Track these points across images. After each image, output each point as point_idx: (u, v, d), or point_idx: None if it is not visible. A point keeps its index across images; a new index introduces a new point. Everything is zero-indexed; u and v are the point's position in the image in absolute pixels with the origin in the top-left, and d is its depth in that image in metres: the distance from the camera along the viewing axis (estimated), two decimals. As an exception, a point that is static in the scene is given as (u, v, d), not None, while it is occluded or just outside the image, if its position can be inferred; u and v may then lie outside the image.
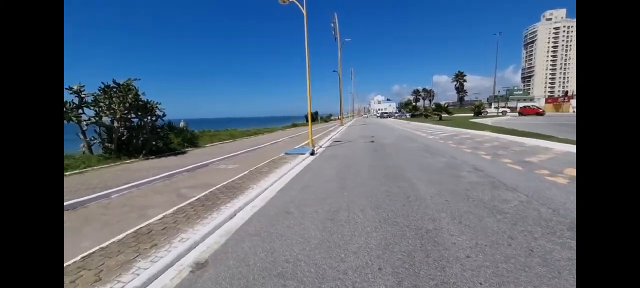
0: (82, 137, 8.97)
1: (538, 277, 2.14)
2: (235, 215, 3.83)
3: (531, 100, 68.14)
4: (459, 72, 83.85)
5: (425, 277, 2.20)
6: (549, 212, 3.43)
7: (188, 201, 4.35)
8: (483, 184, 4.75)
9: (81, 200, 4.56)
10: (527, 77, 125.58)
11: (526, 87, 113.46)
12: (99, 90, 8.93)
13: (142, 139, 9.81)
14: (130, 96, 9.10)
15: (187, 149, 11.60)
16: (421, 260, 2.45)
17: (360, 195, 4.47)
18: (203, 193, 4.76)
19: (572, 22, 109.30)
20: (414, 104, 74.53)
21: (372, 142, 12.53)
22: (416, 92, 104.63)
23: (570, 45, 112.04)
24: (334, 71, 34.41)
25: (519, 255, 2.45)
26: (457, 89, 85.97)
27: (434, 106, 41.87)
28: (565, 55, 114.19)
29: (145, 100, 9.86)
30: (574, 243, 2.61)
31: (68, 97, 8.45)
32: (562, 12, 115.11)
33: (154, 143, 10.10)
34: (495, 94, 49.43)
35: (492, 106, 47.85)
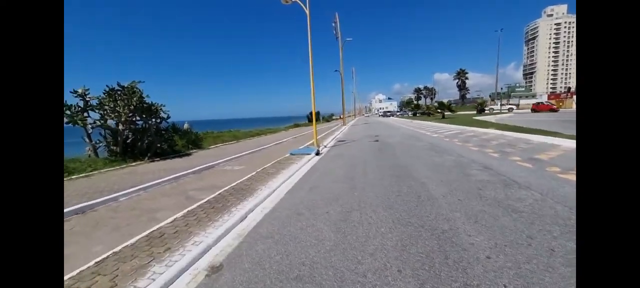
0: (87, 140, 8.97)
1: (563, 278, 2.09)
2: (246, 217, 3.80)
3: (533, 96, 67.75)
4: (460, 69, 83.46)
5: (447, 279, 2.16)
6: (565, 210, 3.37)
7: (198, 203, 4.32)
8: (495, 182, 4.69)
9: (90, 203, 4.54)
10: (529, 74, 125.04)
11: (528, 84, 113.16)
12: (104, 93, 8.93)
13: (147, 141, 9.80)
14: (134, 99, 9.09)
15: (191, 151, 11.59)
16: (441, 261, 2.41)
17: (370, 195, 4.42)
18: (212, 196, 4.73)
19: (573, 18, 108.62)
20: (416, 102, 74.37)
21: (377, 141, 12.47)
22: (418, 90, 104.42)
23: (572, 41, 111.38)
24: (336, 70, 34.33)
25: (540, 255, 2.40)
26: (459, 86, 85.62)
27: (436, 104, 41.72)
28: (567, 51, 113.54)
29: (150, 102, 9.86)
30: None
31: (73, 100, 8.45)
32: (563, 8, 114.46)
33: (158, 145, 10.09)
34: (498, 91, 49.17)
35: (498, 104, 47.33)
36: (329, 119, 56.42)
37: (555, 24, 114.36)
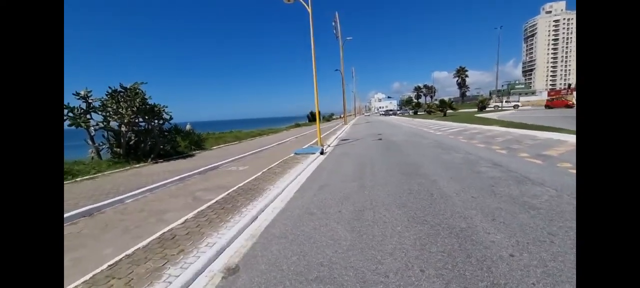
0: (90, 142, 8.90)
1: (593, 275, 2.03)
2: (257, 217, 3.74)
3: (533, 93, 67.58)
4: (460, 67, 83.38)
5: (473, 279, 2.10)
6: (583, 206, 3.31)
7: (207, 204, 4.26)
8: (507, 179, 4.63)
9: (97, 205, 4.48)
10: (528, 71, 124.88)
11: (528, 81, 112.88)
12: (106, 95, 8.86)
13: (150, 142, 9.73)
14: (137, 100, 9.02)
15: (194, 152, 11.52)
16: (463, 260, 2.35)
17: (381, 193, 4.36)
18: (220, 196, 4.67)
19: (572, 15, 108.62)
20: (416, 100, 74.29)
21: (381, 139, 12.41)
22: (417, 88, 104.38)
23: (571, 38, 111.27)
24: (336, 70, 34.25)
25: (566, 253, 2.34)
26: (459, 84, 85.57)
27: (437, 102, 41.65)
28: (566, 47, 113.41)
29: (152, 103, 9.79)
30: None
31: (75, 102, 8.39)
32: (562, 4, 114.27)
33: (161, 147, 10.02)
34: (499, 88, 49.09)
35: (504, 100, 47.00)
36: (329, 118, 56.36)
37: (554, 21, 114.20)
